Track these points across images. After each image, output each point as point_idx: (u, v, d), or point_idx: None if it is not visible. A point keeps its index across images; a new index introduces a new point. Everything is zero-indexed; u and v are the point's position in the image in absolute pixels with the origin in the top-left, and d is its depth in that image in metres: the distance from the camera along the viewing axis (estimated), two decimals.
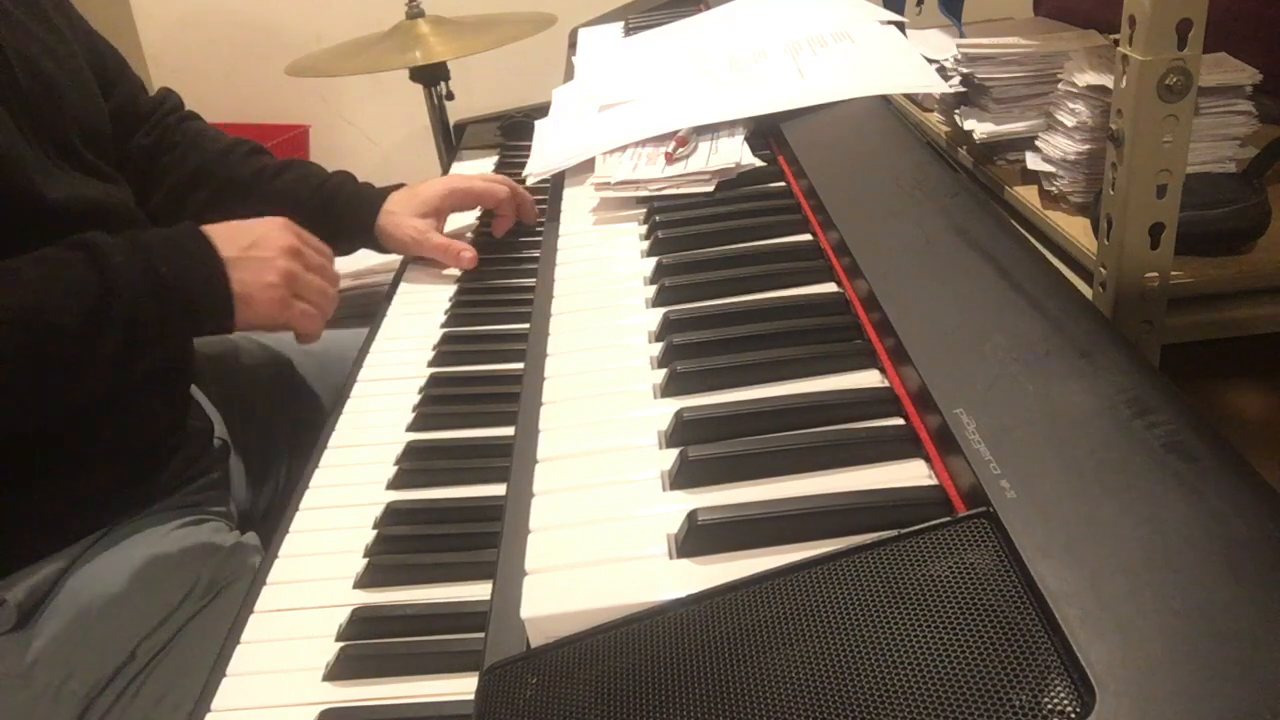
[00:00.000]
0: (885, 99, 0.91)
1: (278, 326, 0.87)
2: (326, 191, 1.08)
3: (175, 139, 1.09)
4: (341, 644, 0.62)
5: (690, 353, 0.62)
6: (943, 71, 0.97)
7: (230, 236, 0.84)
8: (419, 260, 1.09)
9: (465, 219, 1.17)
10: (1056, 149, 0.83)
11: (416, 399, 0.86)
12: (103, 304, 0.76)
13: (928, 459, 0.49)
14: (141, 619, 0.80)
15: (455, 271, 1.06)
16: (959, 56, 0.95)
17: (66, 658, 0.77)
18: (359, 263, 1.41)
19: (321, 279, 0.89)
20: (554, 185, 1.02)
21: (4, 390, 0.73)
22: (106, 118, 0.97)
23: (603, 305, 0.73)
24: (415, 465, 0.77)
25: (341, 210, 1.07)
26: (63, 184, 0.85)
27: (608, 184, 0.91)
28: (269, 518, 1.04)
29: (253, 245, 0.85)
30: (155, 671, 0.77)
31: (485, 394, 0.85)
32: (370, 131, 2.70)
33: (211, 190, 1.08)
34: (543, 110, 1.18)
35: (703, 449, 0.52)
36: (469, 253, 1.05)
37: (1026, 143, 0.89)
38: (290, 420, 1.11)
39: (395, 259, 1.13)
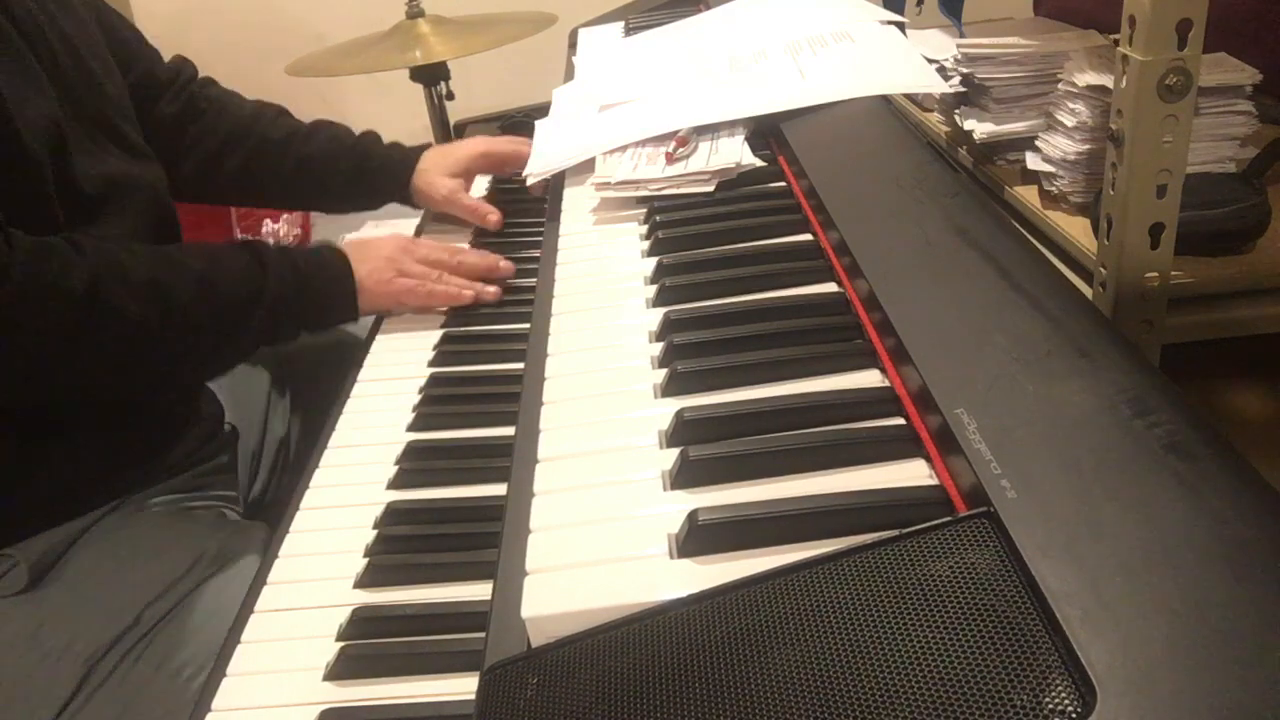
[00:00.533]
0: (885, 99, 0.91)
1: (389, 304, 0.97)
2: (360, 152, 1.15)
3: (201, 106, 1.13)
4: (342, 644, 0.62)
5: (691, 352, 0.62)
6: (943, 71, 0.97)
7: (356, 245, 0.97)
8: None
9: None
10: (1056, 149, 0.83)
11: (416, 399, 0.86)
12: (259, 285, 0.88)
13: (928, 459, 0.49)
14: (148, 584, 0.81)
15: None
16: (959, 56, 0.95)
17: (72, 620, 0.79)
18: None
19: (427, 264, 0.98)
20: (554, 185, 1.02)
21: (175, 343, 0.84)
22: (129, 97, 1.00)
23: (603, 305, 0.73)
24: (415, 465, 0.77)
25: (376, 169, 1.15)
26: (99, 161, 0.89)
27: (608, 184, 0.91)
28: (266, 506, 1.04)
29: (367, 245, 0.98)
30: (158, 637, 0.78)
31: (485, 394, 0.85)
32: None
33: (245, 154, 1.13)
34: (543, 110, 1.18)
35: (703, 449, 0.52)
36: (495, 215, 1.12)
37: (1026, 143, 0.89)
38: (287, 407, 1.12)
39: None
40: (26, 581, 0.81)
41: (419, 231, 1.17)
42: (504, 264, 1.01)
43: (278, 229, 2.56)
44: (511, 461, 0.60)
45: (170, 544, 0.85)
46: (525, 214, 1.15)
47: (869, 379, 0.57)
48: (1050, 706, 0.32)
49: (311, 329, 0.94)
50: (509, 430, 0.69)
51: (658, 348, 0.65)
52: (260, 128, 1.14)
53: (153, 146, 1.02)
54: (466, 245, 1.11)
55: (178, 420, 0.96)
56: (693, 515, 0.47)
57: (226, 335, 0.87)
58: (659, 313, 0.68)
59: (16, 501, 0.84)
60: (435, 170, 1.14)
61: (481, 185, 1.34)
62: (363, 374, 0.91)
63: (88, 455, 0.87)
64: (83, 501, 0.86)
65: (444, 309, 0.99)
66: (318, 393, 1.14)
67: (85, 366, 0.80)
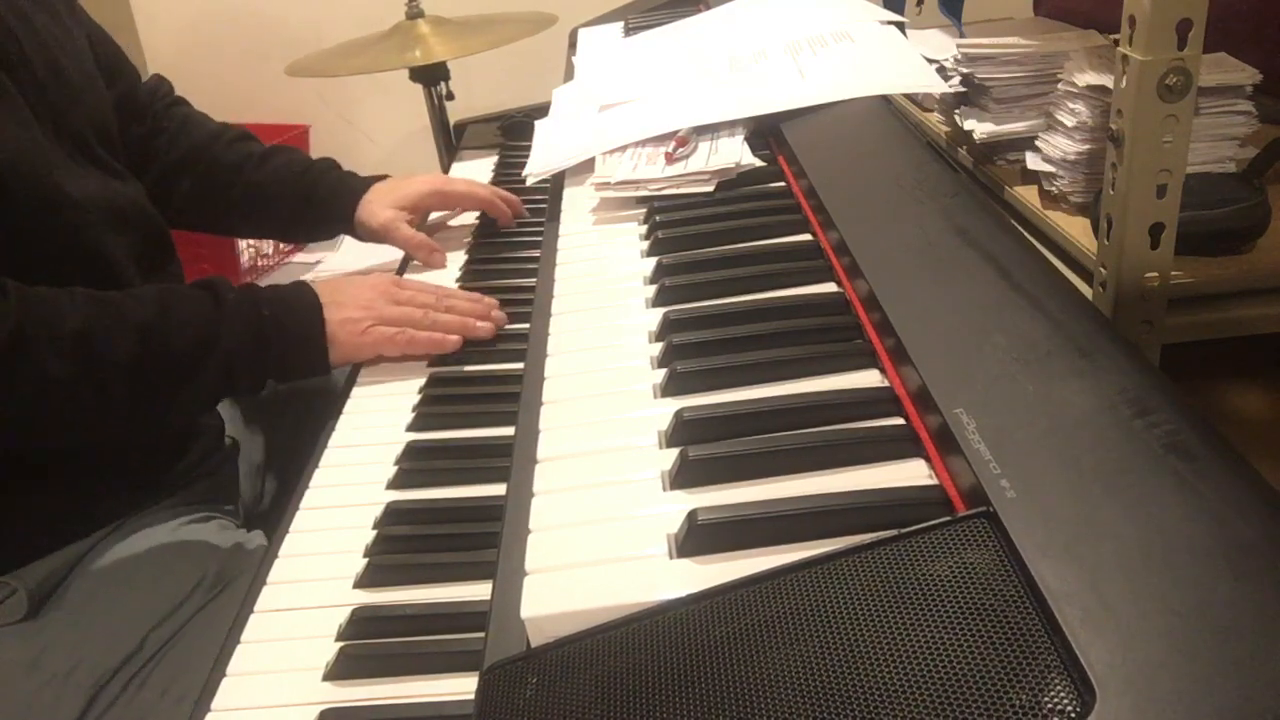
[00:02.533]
0: (885, 99, 0.91)
1: (364, 355, 0.89)
2: (309, 180, 1.10)
3: (164, 124, 1.10)
4: (341, 644, 0.62)
5: (690, 352, 0.62)
6: (943, 71, 0.97)
7: (333, 287, 0.89)
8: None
9: (467, 216, 1.18)
10: (1056, 149, 0.83)
11: (416, 399, 0.86)
12: (212, 334, 0.81)
13: (928, 459, 0.49)
14: (150, 610, 0.80)
15: (456, 271, 1.06)
16: (959, 56, 0.95)
17: (75, 647, 0.78)
18: (363, 260, 1.42)
19: (412, 307, 0.89)
20: (554, 185, 1.02)
21: (108, 399, 0.77)
22: (112, 112, 0.98)
23: (603, 305, 0.73)
24: (415, 465, 0.77)
25: (323, 198, 1.10)
26: (80, 180, 0.87)
27: (608, 184, 0.91)
28: (267, 513, 1.04)
29: (345, 288, 0.89)
30: (162, 663, 0.78)
31: (485, 394, 0.85)
32: (370, 131, 2.70)
33: (197, 176, 1.09)
34: (543, 110, 1.18)
35: (703, 449, 0.52)
36: (439, 254, 1.06)
37: (1026, 143, 0.89)
38: (287, 415, 1.11)
39: (398, 257, 1.13)
40: (27, 609, 0.80)
41: (400, 272, 1.11)
42: (497, 313, 0.91)
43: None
44: (511, 461, 0.60)
45: (171, 568, 0.84)
46: (525, 214, 1.15)
47: (869, 379, 0.57)
48: (1050, 706, 0.32)
49: (278, 379, 0.88)
50: (509, 430, 0.69)
51: (657, 348, 0.65)
52: (214, 151, 1.10)
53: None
54: (464, 256, 1.10)
55: (180, 438, 0.94)
56: (692, 515, 0.47)
57: (169, 391, 0.80)
58: (659, 313, 0.68)
59: (16, 528, 0.82)
60: (379, 202, 1.09)
61: (486, 173, 1.33)
62: (363, 374, 0.91)
63: (88, 479, 0.85)
64: (83, 524, 0.85)
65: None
66: (316, 400, 1.13)
67: (3, 424, 0.75)
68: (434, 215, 1.18)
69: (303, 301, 0.87)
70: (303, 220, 1.12)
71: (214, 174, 1.09)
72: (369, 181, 1.12)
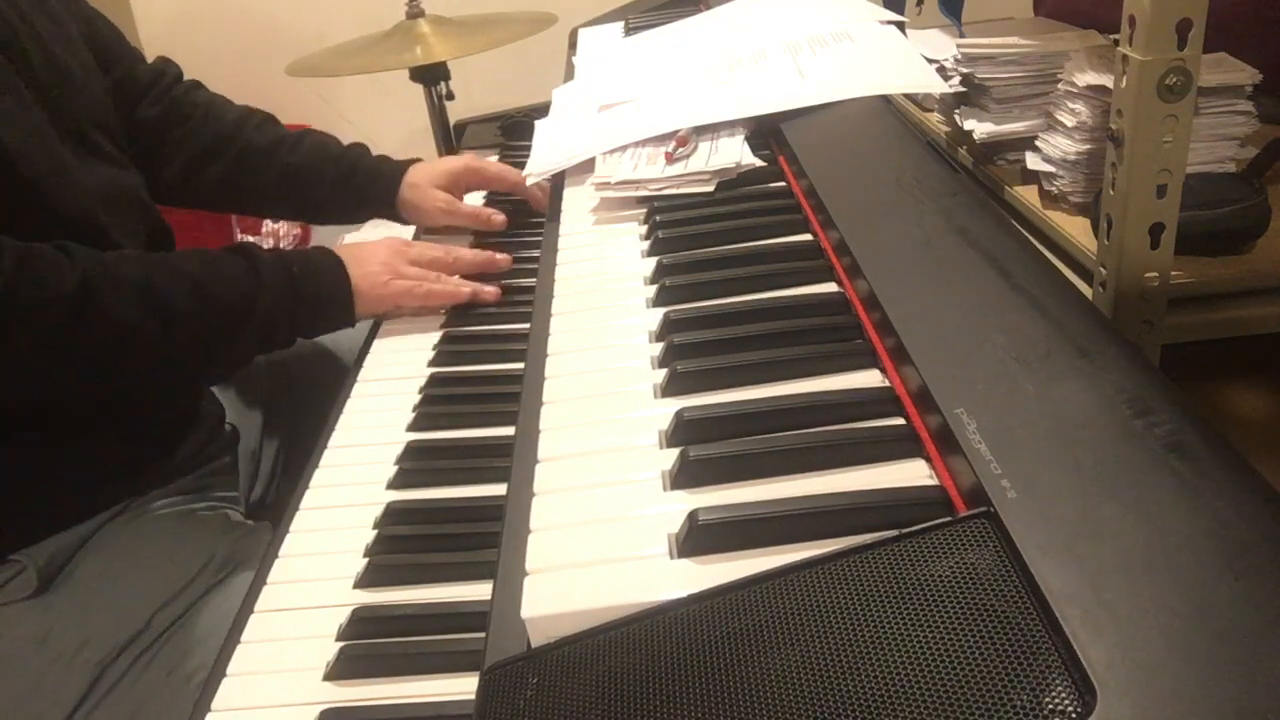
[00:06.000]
0: (885, 99, 0.91)
1: (386, 307, 0.96)
2: (346, 163, 1.11)
3: (186, 110, 1.11)
4: (341, 644, 0.62)
5: (691, 352, 0.62)
6: (943, 71, 0.97)
7: (350, 248, 0.96)
8: None
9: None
10: (1056, 149, 0.83)
11: (416, 399, 0.86)
12: (252, 290, 0.86)
13: (928, 459, 0.49)
14: (158, 589, 0.81)
15: None
16: (959, 56, 0.95)
17: (82, 624, 0.78)
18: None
19: (422, 264, 0.97)
20: (554, 185, 1.02)
21: (172, 343, 0.82)
22: (110, 100, 0.98)
23: (603, 305, 0.73)
24: (415, 465, 0.77)
25: (363, 182, 1.11)
26: (81, 171, 0.88)
27: (608, 184, 0.91)
28: (266, 507, 1.04)
29: (361, 248, 0.96)
30: (169, 643, 0.78)
31: (485, 394, 0.85)
32: (370, 131, 2.69)
33: (229, 160, 1.10)
34: (543, 110, 1.18)
35: (703, 449, 0.52)
36: (499, 216, 1.10)
37: (1026, 143, 0.89)
38: (285, 410, 1.11)
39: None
40: (35, 586, 0.80)
41: (417, 234, 1.16)
42: (500, 257, 1.01)
43: (277, 228, 2.56)
44: (511, 461, 0.60)
45: (178, 548, 0.84)
46: (525, 214, 1.15)
47: (869, 379, 0.57)
48: (1050, 706, 0.32)
49: (307, 334, 0.93)
50: (509, 430, 0.69)
51: (658, 348, 0.65)
52: (245, 134, 1.11)
53: (133, 150, 1.01)
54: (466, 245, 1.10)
55: (182, 421, 0.95)
56: (693, 515, 0.47)
57: (221, 341, 0.86)
58: (659, 313, 0.68)
59: (25, 506, 0.83)
60: (424, 184, 1.11)
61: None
62: (363, 374, 0.91)
63: (94, 459, 0.86)
64: (90, 505, 0.86)
65: (443, 310, 0.99)
66: (316, 395, 1.14)
67: (75, 371, 0.79)
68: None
69: (326, 259, 0.93)
70: (340, 202, 1.13)
71: (248, 157, 1.11)
72: (406, 164, 1.13)
